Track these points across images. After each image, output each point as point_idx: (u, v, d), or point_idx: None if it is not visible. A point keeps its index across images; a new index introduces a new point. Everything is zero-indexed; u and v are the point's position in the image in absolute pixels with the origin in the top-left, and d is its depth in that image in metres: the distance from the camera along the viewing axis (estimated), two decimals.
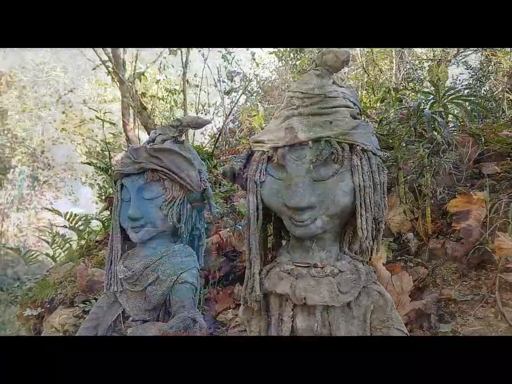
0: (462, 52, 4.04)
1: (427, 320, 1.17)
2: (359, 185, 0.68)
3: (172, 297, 0.97)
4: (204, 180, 1.05)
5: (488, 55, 3.02)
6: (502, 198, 1.36)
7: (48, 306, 1.53)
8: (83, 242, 2.15)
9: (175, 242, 1.06)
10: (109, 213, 2.10)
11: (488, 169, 1.65)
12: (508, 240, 1.17)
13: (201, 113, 4.23)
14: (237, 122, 4.32)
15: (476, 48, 3.21)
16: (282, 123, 0.73)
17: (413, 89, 3.12)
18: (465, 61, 3.47)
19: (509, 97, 3.07)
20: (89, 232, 2.25)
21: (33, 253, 2.06)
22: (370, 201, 0.69)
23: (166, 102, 3.91)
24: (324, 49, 0.76)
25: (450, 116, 1.83)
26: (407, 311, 1.18)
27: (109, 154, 2.29)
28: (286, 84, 6.53)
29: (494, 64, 3.04)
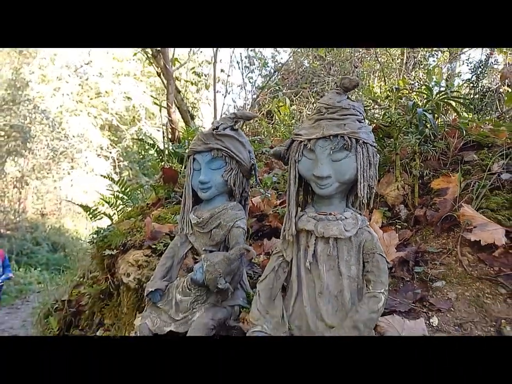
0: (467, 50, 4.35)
1: (407, 264, 1.61)
2: (360, 164, 1.09)
3: (230, 237, 1.41)
4: (252, 158, 1.48)
5: (488, 54, 3.35)
6: (472, 180, 1.78)
7: (122, 248, 1.99)
8: (136, 204, 2.61)
9: (230, 201, 1.49)
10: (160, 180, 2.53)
11: (468, 156, 2.05)
12: (469, 209, 1.59)
13: (226, 95, 4.67)
14: (256, 106, 4.72)
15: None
16: (314, 123, 1.15)
17: (419, 82, 3.47)
18: (467, 57, 3.80)
19: (507, 90, 3.42)
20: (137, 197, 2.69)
21: (98, 211, 2.52)
22: (367, 175, 1.11)
23: (195, 85, 4.31)
24: (342, 76, 1.17)
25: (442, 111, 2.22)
26: (392, 258, 1.62)
27: (168, 135, 2.64)
28: (303, 67, 6.83)
29: (493, 62, 3.37)
